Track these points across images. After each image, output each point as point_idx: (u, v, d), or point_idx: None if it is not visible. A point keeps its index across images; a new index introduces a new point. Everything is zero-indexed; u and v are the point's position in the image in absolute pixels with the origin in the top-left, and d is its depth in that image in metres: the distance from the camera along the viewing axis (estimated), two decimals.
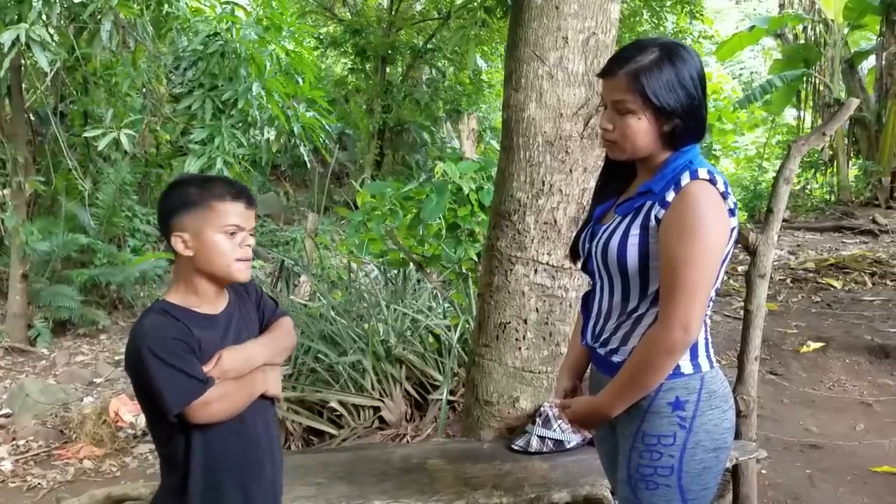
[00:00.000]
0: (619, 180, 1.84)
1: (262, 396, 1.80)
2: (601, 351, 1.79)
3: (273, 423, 1.88)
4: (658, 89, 1.60)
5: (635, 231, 1.66)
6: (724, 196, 1.62)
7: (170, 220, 1.71)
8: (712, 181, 1.61)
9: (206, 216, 1.68)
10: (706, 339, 1.73)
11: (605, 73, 1.68)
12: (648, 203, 1.66)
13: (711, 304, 1.69)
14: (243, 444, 1.76)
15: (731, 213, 1.64)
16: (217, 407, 1.66)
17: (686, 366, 1.69)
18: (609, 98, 1.68)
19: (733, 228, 1.65)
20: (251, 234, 1.76)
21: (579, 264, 1.90)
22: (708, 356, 1.73)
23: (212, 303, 1.76)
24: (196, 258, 1.71)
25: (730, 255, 1.69)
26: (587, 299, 1.87)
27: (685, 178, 1.61)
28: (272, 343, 1.84)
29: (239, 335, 1.78)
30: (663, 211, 1.62)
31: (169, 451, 1.73)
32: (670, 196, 1.61)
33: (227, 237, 1.70)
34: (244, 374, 1.74)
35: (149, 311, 1.72)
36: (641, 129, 1.65)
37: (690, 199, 1.59)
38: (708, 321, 1.72)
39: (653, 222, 1.64)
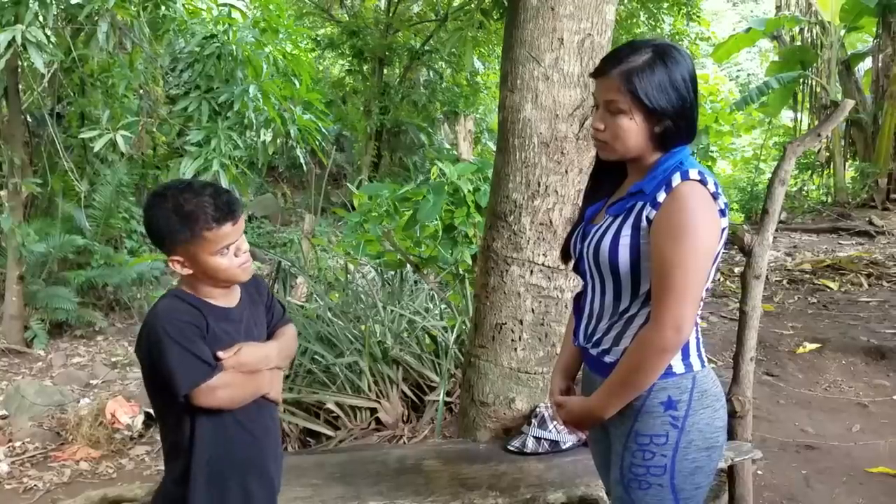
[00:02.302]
0: (610, 181, 1.85)
1: (266, 398, 1.85)
2: (593, 351, 1.79)
3: (276, 424, 1.93)
4: (650, 90, 1.61)
5: (626, 231, 1.67)
6: (715, 196, 1.63)
7: (161, 244, 1.74)
8: (703, 181, 1.62)
9: (197, 245, 1.70)
10: (697, 338, 1.74)
11: (598, 72, 1.69)
12: (640, 204, 1.67)
13: (703, 304, 1.70)
14: (248, 439, 1.80)
15: (722, 213, 1.65)
16: (222, 393, 1.71)
17: (678, 365, 1.69)
18: (601, 98, 1.69)
19: (724, 228, 1.66)
20: (243, 239, 1.77)
21: (571, 265, 1.91)
22: (699, 356, 1.73)
23: (225, 298, 1.81)
24: (197, 275, 1.75)
25: (720, 256, 1.70)
26: (579, 300, 1.87)
27: (676, 179, 1.62)
28: (284, 348, 1.90)
29: (250, 331, 1.83)
30: (654, 211, 1.63)
31: (175, 440, 1.77)
32: (661, 197, 1.62)
33: (222, 255, 1.72)
34: (256, 370, 1.79)
35: (164, 296, 1.77)
36: (632, 130, 1.66)
37: (681, 199, 1.60)
38: (699, 321, 1.72)
39: (644, 223, 1.64)
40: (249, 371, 1.77)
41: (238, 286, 1.85)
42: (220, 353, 1.72)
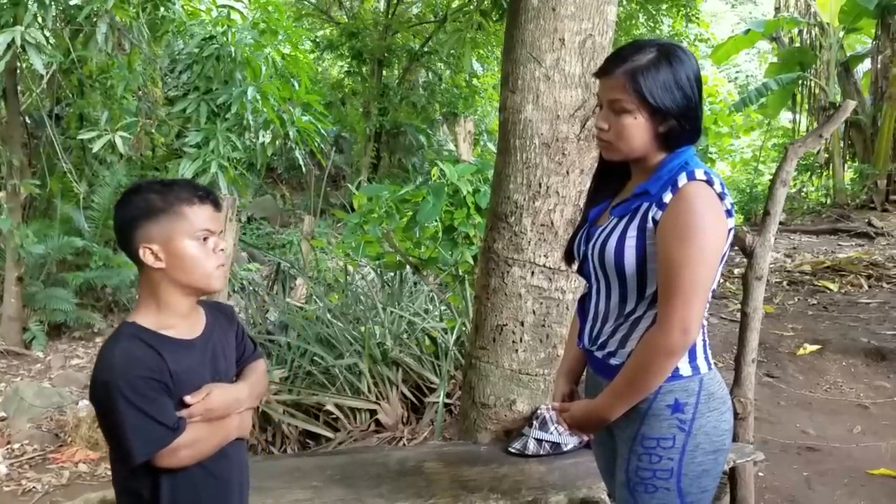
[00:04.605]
0: (614, 182, 1.83)
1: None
2: (598, 354, 1.78)
3: (244, 457, 1.79)
4: (654, 89, 1.60)
5: (632, 233, 1.66)
6: (721, 197, 1.62)
7: (132, 231, 1.57)
8: (709, 182, 1.61)
9: (175, 223, 1.55)
10: (704, 340, 1.73)
11: (602, 72, 1.68)
12: (645, 205, 1.66)
13: (708, 305, 1.69)
14: (214, 480, 1.66)
15: (729, 213, 1.64)
16: (186, 453, 1.56)
17: (685, 368, 1.68)
18: (605, 97, 1.68)
19: (730, 229, 1.65)
20: (222, 238, 1.64)
21: (575, 267, 1.90)
22: (706, 358, 1.72)
23: (187, 324, 1.64)
24: (169, 270, 1.57)
25: (727, 256, 1.69)
26: (583, 302, 1.86)
27: (682, 179, 1.61)
28: (254, 385, 1.76)
29: (216, 363, 1.68)
30: (660, 212, 1.61)
31: (129, 488, 1.63)
32: (667, 197, 1.61)
33: (201, 244, 1.58)
34: (225, 415, 1.64)
35: (118, 336, 1.57)
36: (637, 129, 1.64)
37: (688, 199, 1.59)
38: (705, 323, 1.71)
39: (650, 224, 1.63)
40: (218, 417, 1.61)
41: (203, 312, 1.70)
42: (188, 398, 1.56)
